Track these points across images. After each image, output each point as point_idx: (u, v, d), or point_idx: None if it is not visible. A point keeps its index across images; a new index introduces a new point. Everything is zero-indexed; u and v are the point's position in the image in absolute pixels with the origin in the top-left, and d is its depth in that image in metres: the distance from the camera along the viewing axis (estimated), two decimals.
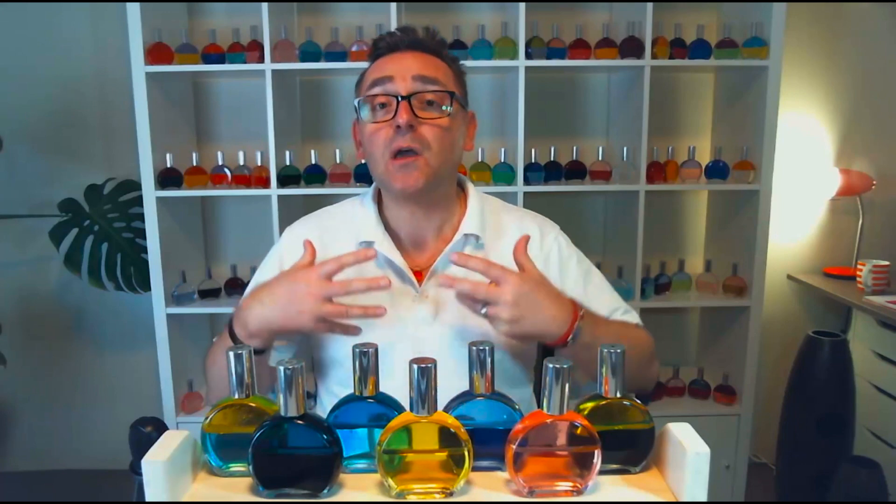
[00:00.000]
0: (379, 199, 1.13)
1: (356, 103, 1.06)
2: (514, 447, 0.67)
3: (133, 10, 1.94)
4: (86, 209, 2.21)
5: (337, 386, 1.10)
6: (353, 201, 1.17)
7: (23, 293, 2.49)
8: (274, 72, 1.99)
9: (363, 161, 1.13)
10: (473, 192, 1.14)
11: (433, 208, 1.08)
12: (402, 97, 0.99)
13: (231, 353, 0.71)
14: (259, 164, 2.08)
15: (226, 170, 2.08)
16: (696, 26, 2.10)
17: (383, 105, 1.02)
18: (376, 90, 1.02)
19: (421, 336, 1.04)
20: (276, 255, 1.15)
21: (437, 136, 1.01)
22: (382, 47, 1.07)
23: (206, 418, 0.72)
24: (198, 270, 2.30)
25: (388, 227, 1.10)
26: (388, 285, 0.93)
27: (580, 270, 1.14)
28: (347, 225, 1.12)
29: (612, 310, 1.12)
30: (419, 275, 1.07)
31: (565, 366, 0.67)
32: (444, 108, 1.02)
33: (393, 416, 0.70)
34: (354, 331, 0.95)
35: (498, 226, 1.13)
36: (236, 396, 0.72)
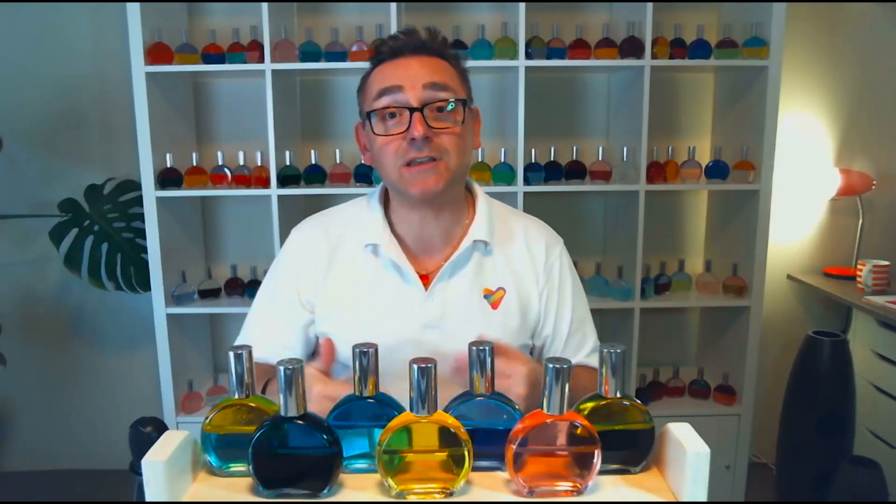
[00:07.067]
0: (385, 201, 1.11)
1: (364, 113, 1.04)
2: (514, 447, 0.67)
3: (133, 10, 1.94)
4: (86, 209, 2.21)
5: None
6: (360, 202, 1.15)
7: (23, 293, 2.49)
8: (274, 72, 1.99)
9: (369, 164, 1.12)
10: (482, 195, 1.13)
11: (443, 211, 1.07)
12: (415, 109, 0.97)
13: (231, 353, 0.71)
14: (259, 164, 2.07)
15: (226, 170, 2.08)
16: (696, 26, 2.10)
17: (393, 115, 1.00)
18: (385, 100, 0.99)
19: (426, 340, 1.04)
20: (284, 256, 1.14)
21: (453, 143, 1.00)
22: (385, 51, 1.04)
23: (206, 418, 0.72)
24: (198, 270, 2.30)
25: (394, 229, 1.08)
26: None
27: (571, 300, 1.14)
28: (354, 226, 1.11)
29: (580, 348, 1.14)
30: (425, 278, 1.06)
31: (565, 366, 0.67)
32: (452, 108, 1.00)
33: (393, 416, 0.70)
34: None
35: (506, 231, 1.12)
36: (236, 396, 0.72)
